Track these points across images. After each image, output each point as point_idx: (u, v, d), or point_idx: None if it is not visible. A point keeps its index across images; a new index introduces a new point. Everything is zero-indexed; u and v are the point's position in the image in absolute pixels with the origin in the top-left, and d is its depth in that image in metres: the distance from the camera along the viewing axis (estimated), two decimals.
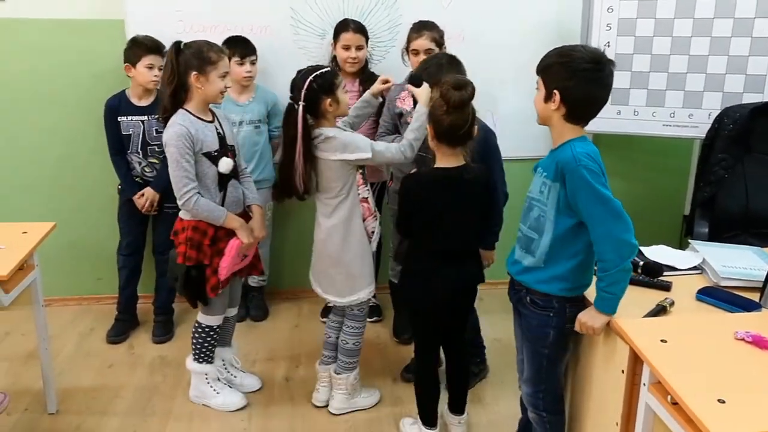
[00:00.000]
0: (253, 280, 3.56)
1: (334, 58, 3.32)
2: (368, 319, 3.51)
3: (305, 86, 2.47)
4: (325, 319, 3.57)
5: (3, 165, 3.51)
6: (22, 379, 2.98)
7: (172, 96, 2.54)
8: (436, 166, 2.34)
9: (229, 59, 3.24)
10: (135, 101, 3.22)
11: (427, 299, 2.42)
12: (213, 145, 2.58)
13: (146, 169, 3.26)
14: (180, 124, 2.50)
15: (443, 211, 2.32)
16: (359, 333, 2.78)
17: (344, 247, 2.62)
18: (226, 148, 2.63)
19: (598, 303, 1.91)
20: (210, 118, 2.62)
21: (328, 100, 2.49)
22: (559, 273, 1.97)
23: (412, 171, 2.49)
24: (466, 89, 2.22)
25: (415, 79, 2.55)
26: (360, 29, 3.26)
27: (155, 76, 3.15)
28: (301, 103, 2.48)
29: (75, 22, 3.36)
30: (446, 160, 2.31)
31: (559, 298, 2.00)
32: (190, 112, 2.55)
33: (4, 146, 3.49)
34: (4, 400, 2.78)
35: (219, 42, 3.24)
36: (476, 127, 2.29)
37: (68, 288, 3.69)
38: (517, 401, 2.38)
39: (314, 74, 2.49)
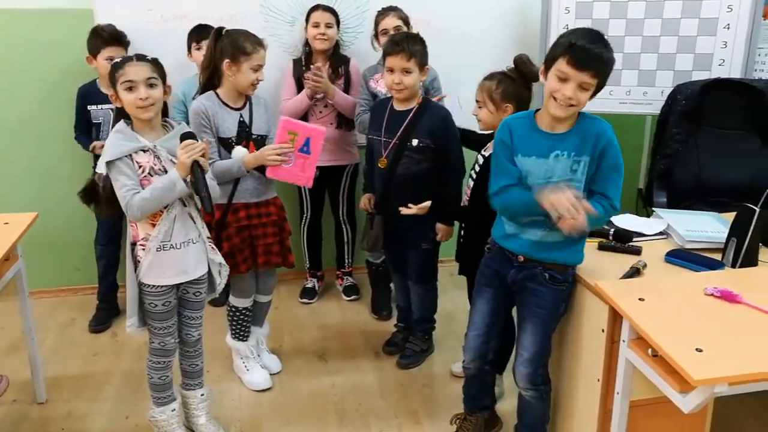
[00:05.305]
0: None
1: (306, 42, 3.37)
2: (346, 298, 3.66)
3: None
4: (304, 300, 3.66)
5: None
6: (6, 371, 2.97)
7: (208, 80, 2.60)
8: None
9: (189, 46, 3.28)
10: (105, 90, 3.19)
11: None
12: (229, 131, 2.58)
13: None
14: (200, 101, 2.56)
15: None
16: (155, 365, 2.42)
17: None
18: (247, 137, 2.61)
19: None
20: (238, 105, 2.61)
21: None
22: (576, 241, 2.04)
23: None
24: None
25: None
26: (329, 9, 3.33)
27: None
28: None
29: (44, 12, 3.33)
30: None
31: (573, 268, 2.09)
32: (218, 96, 2.59)
33: None
34: (2, 381, 2.81)
35: (185, 32, 3.27)
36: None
37: (45, 280, 3.67)
38: None
39: None
